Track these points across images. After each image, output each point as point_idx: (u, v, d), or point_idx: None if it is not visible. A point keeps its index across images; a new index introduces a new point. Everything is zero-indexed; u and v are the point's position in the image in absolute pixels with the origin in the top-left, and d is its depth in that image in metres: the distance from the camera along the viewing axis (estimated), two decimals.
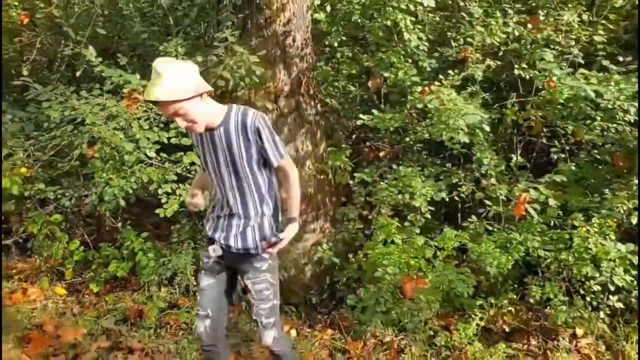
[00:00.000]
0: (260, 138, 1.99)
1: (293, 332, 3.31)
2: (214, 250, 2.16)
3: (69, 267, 3.96)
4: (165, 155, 3.27)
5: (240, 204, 2.09)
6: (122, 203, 3.00)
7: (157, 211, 3.18)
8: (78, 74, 3.56)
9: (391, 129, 3.07)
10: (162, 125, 3.16)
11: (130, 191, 3.02)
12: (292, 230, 2.14)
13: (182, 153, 3.37)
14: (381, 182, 3.12)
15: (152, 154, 3.01)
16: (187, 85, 1.84)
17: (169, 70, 1.80)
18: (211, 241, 2.19)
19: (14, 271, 4.20)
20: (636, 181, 3.00)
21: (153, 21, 3.61)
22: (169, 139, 3.21)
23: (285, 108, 3.47)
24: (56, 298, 3.86)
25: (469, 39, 3.45)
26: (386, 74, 3.20)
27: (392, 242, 2.98)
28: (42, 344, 3.16)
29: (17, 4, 4.12)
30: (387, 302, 2.85)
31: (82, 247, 4.04)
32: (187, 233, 3.63)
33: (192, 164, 3.33)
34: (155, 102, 1.95)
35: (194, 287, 3.51)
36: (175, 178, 3.26)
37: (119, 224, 4.04)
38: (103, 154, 2.85)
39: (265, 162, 2.06)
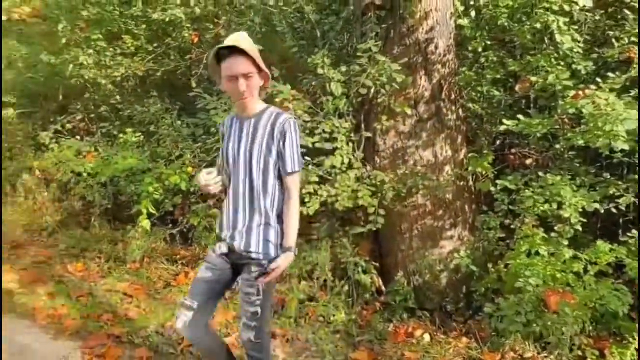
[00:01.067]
0: (284, 140, 2.00)
1: (426, 337, 3.32)
2: (220, 247, 2.14)
3: None
4: (308, 158, 3.49)
5: (248, 199, 2.05)
6: None
7: (300, 209, 3.42)
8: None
9: (538, 134, 2.93)
10: (307, 132, 3.39)
11: None
12: (287, 259, 2.04)
13: (323, 157, 3.58)
14: (526, 190, 2.99)
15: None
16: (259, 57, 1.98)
17: (249, 40, 1.97)
18: (219, 238, 2.18)
19: (177, 256, 4.82)
20: None
21: (302, 35, 3.91)
22: (312, 143, 3.43)
23: (424, 113, 3.51)
24: None
25: (633, 38, 3.14)
26: (534, 78, 3.05)
27: (537, 253, 2.84)
28: None
29: (189, 25, 4.75)
30: (528, 314, 2.72)
31: None
32: (325, 231, 3.83)
33: (333, 167, 3.52)
34: (231, 52, 1.93)
35: (331, 282, 3.69)
36: (317, 179, 3.47)
37: None
38: None
39: (279, 174, 2.05)
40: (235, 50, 1.92)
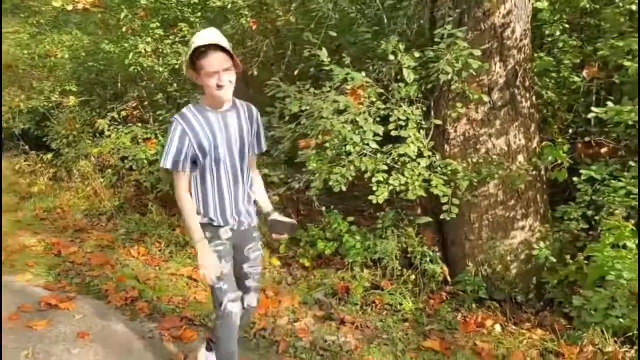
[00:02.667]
0: (258, 126, 2.34)
1: (497, 327, 3.29)
2: (226, 232, 2.27)
3: (283, 243, 4.48)
4: (377, 147, 3.47)
5: (242, 182, 2.27)
6: (344, 188, 3.30)
7: (369, 197, 3.42)
8: (295, 71, 4.00)
9: (630, 122, 2.82)
10: (378, 119, 3.37)
11: (350, 178, 3.30)
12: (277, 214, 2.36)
13: (391, 145, 3.55)
14: (612, 181, 2.90)
15: (375, 146, 3.24)
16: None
17: (223, 37, 2.10)
18: (218, 226, 2.25)
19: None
20: None
21: (374, 22, 3.86)
22: (384, 132, 3.40)
23: (498, 101, 3.43)
24: (271, 268, 4.40)
25: None
26: (628, 63, 2.94)
27: (624, 246, 2.76)
28: (266, 305, 3.66)
29: (247, 12, 4.75)
30: (622, 308, 2.66)
31: None
32: (390, 220, 3.82)
33: (401, 155, 3.48)
34: (209, 48, 2.01)
35: (397, 271, 3.69)
36: (386, 168, 3.45)
37: (323, 208, 4.45)
38: (332, 144, 3.16)
39: None
40: (213, 47, 2.02)
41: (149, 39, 5.07)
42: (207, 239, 2.23)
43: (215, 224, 2.25)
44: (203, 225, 2.24)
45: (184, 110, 2.20)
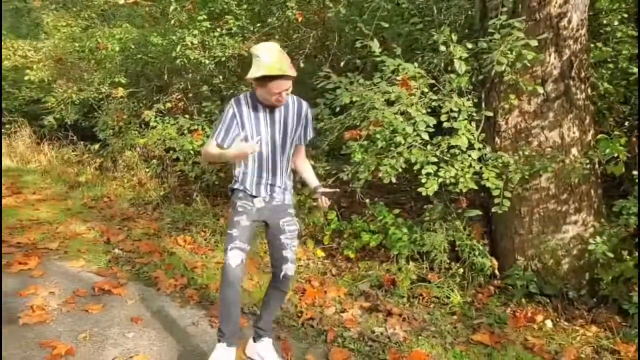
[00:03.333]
0: (307, 122, 2.55)
1: (549, 323, 3.24)
2: (260, 202, 2.54)
3: (327, 234, 4.52)
4: (427, 138, 3.44)
5: (280, 173, 2.55)
6: (394, 180, 3.29)
7: (419, 190, 3.40)
8: (342, 62, 4.01)
9: None
10: (429, 110, 3.34)
11: (400, 170, 3.29)
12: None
13: (440, 137, 3.52)
14: None
15: (426, 137, 3.22)
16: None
17: (288, 59, 2.31)
18: (251, 196, 2.54)
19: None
20: None
21: (426, 12, 3.83)
22: (436, 124, 3.38)
23: (552, 92, 3.35)
24: (315, 259, 4.44)
25: None
26: None
27: None
28: (312, 295, 3.70)
29: (294, 5, 4.77)
30: None
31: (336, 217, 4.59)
32: (438, 213, 3.79)
33: (452, 147, 3.45)
34: (279, 77, 2.28)
35: (446, 264, 3.67)
36: (436, 160, 3.42)
37: (367, 200, 4.45)
38: (383, 135, 3.16)
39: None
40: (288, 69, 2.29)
41: (195, 32, 5.16)
42: (239, 198, 2.55)
43: (249, 193, 2.56)
44: (238, 190, 2.58)
45: (240, 96, 2.50)
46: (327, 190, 2.60)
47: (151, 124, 5.95)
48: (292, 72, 2.31)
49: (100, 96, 6.58)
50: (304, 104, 2.56)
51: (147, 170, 6.46)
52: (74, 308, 3.41)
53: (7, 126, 9.69)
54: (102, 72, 6.46)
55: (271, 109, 2.46)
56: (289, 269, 2.61)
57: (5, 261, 4.22)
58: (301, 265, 4.30)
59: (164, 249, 4.71)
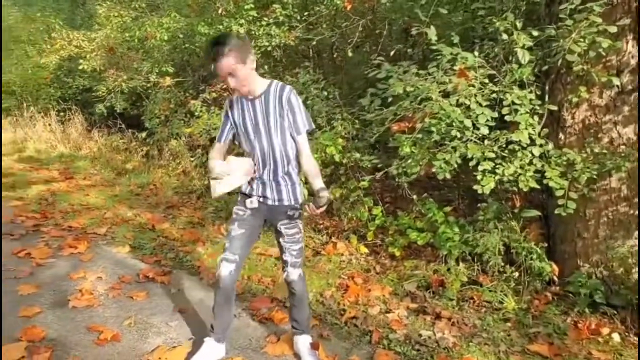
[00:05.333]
0: (292, 108, 2.34)
1: (616, 337, 2.97)
2: (251, 202, 2.48)
3: (371, 230, 4.36)
4: (486, 133, 3.22)
5: (272, 168, 2.43)
6: (448, 176, 3.10)
7: (475, 187, 3.19)
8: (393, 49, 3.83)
9: None
10: (488, 103, 3.12)
11: (455, 165, 3.10)
12: (327, 195, 2.35)
13: (498, 131, 3.30)
14: None
15: (486, 131, 3.01)
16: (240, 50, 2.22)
17: (229, 41, 2.19)
18: (248, 196, 2.50)
19: (321, 226, 4.85)
20: None
21: None
22: (495, 117, 3.15)
23: (628, 84, 3.06)
24: (358, 255, 4.30)
25: None
26: None
27: None
28: (356, 293, 3.57)
29: None
30: None
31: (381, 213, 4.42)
32: (493, 212, 3.57)
33: (511, 142, 3.22)
34: (213, 61, 2.23)
35: (500, 267, 3.45)
36: (494, 156, 3.20)
37: (414, 196, 4.27)
38: (439, 128, 2.97)
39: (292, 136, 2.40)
40: (214, 59, 2.22)
41: (242, 21, 5.10)
42: (237, 202, 2.55)
43: (243, 191, 2.54)
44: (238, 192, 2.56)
45: (233, 96, 2.48)
46: (315, 209, 2.32)
47: (196, 113, 5.95)
48: (222, 59, 2.18)
49: (148, 85, 6.65)
50: (286, 88, 2.36)
51: (192, 159, 6.49)
52: (119, 294, 3.43)
53: (61, 114, 10.05)
54: (150, 62, 6.53)
55: (252, 101, 2.37)
56: (289, 273, 2.56)
57: (57, 244, 4.33)
58: (343, 261, 4.18)
59: (207, 238, 4.70)
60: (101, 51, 7.41)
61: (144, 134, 7.40)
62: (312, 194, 2.43)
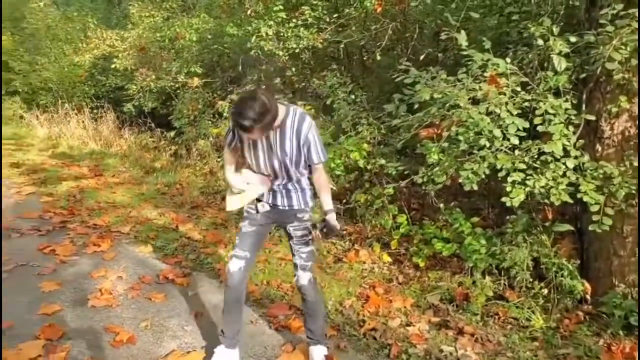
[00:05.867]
0: (308, 142, 2.29)
1: None
2: (263, 206, 2.47)
3: (395, 238, 4.25)
4: (516, 143, 3.08)
5: (285, 198, 2.44)
6: (475, 187, 2.98)
7: (503, 199, 3.06)
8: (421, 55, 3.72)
9: None
10: (519, 112, 2.98)
11: (483, 176, 2.97)
12: (332, 220, 2.42)
13: (529, 141, 3.15)
14: None
15: (516, 141, 2.88)
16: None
17: (256, 112, 2.06)
18: (259, 200, 2.48)
19: (344, 232, 4.76)
20: None
21: (522, 1, 3.45)
22: (527, 127, 3.01)
23: None
24: (381, 264, 4.20)
25: None
26: None
27: None
28: (376, 303, 3.47)
29: None
30: None
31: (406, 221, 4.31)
32: (522, 225, 3.41)
33: (542, 153, 3.07)
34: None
35: (528, 283, 3.29)
36: (524, 167, 3.06)
37: (441, 205, 4.13)
38: (467, 137, 2.86)
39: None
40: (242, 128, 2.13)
41: (271, 22, 5.07)
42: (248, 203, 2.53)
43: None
44: None
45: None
46: (323, 232, 2.43)
47: (224, 114, 5.96)
48: (248, 132, 2.11)
49: (177, 85, 6.71)
50: (305, 123, 2.28)
51: (219, 159, 6.50)
52: (138, 295, 3.44)
53: (94, 111, 10.27)
54: (180, 62, 6.58)
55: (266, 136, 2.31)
56: (299, 277, 2.54)
57: (82, 241, 4.39)
58: (365, 269, 4.09)
59: (229, 240, 4.68)
60: (133, 50, 7.53)
61: (172, 134, 7.48)
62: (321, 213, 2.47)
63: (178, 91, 6.82)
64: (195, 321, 3.13)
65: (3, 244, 4.12)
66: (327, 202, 2.46)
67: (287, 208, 2.49)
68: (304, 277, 2.53)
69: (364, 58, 5.57)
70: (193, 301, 3.41)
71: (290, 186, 2.46)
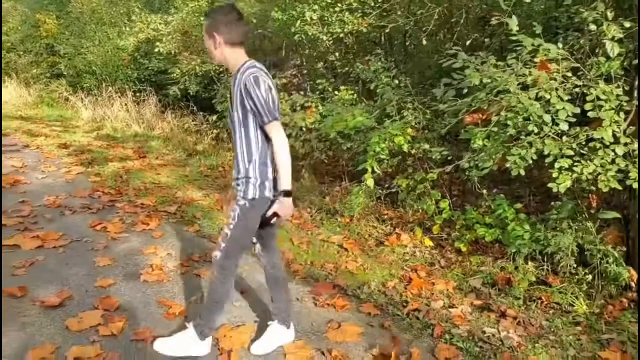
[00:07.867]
0: (250, 96, 2.09)
1: None
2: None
3: (437, 223, 4.30)
4: (565, 129, 3.07)
5: (236, 144, 2.24)
6: (522, 172, 3.00)
7: (549, 185, 3.07)
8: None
9: None
10: (571, 98, 2.97)
11: (530, 161, 2.99)
12: (283, 205, 2.21)
13: (578, 128, 3.13)
14: None
15: (565, 127, 2.88)
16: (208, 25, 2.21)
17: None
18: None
19: (385, 216, 4.84)
20: None
21: None
22: (576, 113, 3.00)
23: None
24: (422, 248, 4.27)
25: None
26: None
27: None
28: (419, 285, 3.55)
29: None
30: None
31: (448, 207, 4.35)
32: (567, 211, 3.41)
33: (591, 139, 3.06)
34: None
35: (572, 269, 3.31)
36: (572, 153, 3.06)
37: (484, 191, 4.15)
38: (515, 122, 2.88)
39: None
40: None
41: (315, 7, 5.11)
42: None
43: None
44: None
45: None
46: (272, 216, 2.26)
47: None
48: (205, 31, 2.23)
49: (220, 69, 6.84)
50: (248, 70, 2.13)
51: None
52: (187, 271, 3.61)
53: (137, 94, 10.57)
54: None
55: (231, 80, 2.29)
56: (215, 251, 2.41)
57: (131, 220, 4.61)
58: (407, 253, 4.16)
59: None
60: (176, 34, 7.70)
61: (214, 117, 7.64)
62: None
63: (221, 75, 6.96)
64: (243, 297, 3.27)
65: (57, 221, 4.38)
66: (282, 180, 2.14)
67: (234, 185, 2.32)
68: (216, 252, 2.39)
69: (407, 43, 5.56)
70: (240, 279, 3.56)
71: (238, 150, 2.24)
